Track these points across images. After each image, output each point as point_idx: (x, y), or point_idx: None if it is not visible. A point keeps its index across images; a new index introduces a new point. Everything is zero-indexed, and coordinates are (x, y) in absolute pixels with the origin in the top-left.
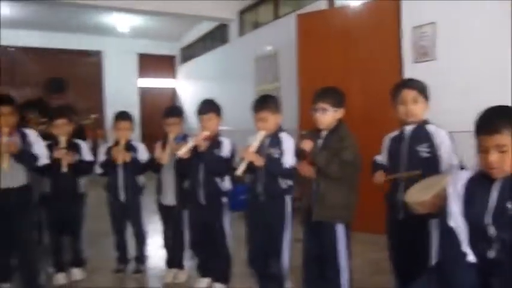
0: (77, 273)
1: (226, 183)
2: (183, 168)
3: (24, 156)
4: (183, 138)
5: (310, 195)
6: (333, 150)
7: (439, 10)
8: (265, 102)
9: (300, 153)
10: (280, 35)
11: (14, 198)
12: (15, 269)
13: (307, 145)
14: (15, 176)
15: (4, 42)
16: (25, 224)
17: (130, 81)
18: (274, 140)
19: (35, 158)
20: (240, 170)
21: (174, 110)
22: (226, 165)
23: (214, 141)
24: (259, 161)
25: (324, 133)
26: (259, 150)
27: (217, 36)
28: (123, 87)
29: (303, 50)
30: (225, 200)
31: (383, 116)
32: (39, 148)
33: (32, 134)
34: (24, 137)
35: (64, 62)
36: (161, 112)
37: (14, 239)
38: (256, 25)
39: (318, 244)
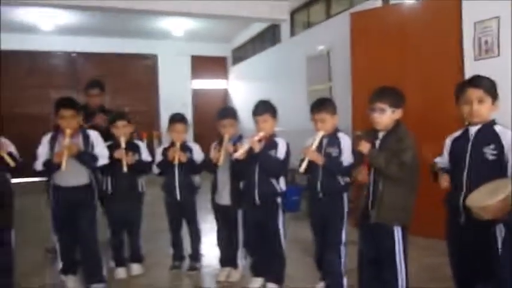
0: (135, 268)
1: (281, 184)
2: (238, 169)
3: (85, 156)
4: (238, 139)
5: (367, 197)
6: (391, 151)
7: (503, 3)
8: (323, 104)
9: (357, 156)
10: (332, 34)
11: (77, 196)
12: (79, 263)
13: (365, 147)
14: (79, 175)
15: (66, 48)
16: (88, 221)
17: (184, 83)
18: (332, 139)
19: (94, 158)
20: (302, 168)
21: (229, 111)
22: (282, 166)
23: (270, 142)
24: (319, 159)
25: (381, 134)
26: (318, 150)
27: (268, 37)
28: (177, 90)
29: (357, 49)
30: (279, 200)
31: (443, 116)
32: (100, 149)
33: (94, 135)
34: (86, 138)
35: (121, 66)
36: (214, 113)
37: (78, 235)
38: (308, 25)
39: (374, 246)
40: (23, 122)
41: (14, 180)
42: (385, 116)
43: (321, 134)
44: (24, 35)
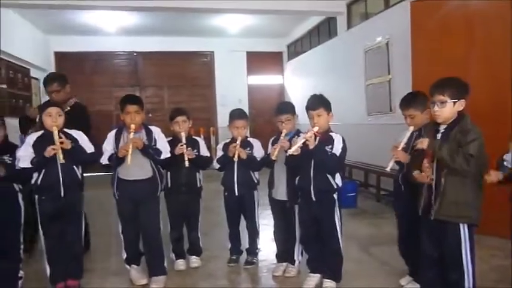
0: (194, 261)
1: (337, 180)
2: (294, 164)
3: (149, 150)
4: (296, 134)
5: (429, 191)
6: (455, 144)
7: None
8: (413, 100)
9: (418, 153)
10: (392, 25)
11: (141, 190)
12: (142, 254)
13: (423, 142)
14: (142, 169)
15: (128, 49)
16: (151, 214)
17: (240, 79)
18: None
19: (158, 152)
20: (389, 167)
21: (287, 107)
22: (338, 162)
23: (325, 138)
24: (405, 159)
25: (442, 127)
26: (407, 146)
27: (324, 31)
28: (233, 86)
29: (417, 40)
30: (336, 196)
31: (507, 111)
32: (162, 143)
33: (156, 131)
34: (149, 133)
35: (179, 63)
36: (269, 109)
37: (141, 228)
38: (365, 16)
39: (438, 244)
40: (95, 119)
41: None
42: (446, 109)
43: (411, 129)
44: (89, 37)
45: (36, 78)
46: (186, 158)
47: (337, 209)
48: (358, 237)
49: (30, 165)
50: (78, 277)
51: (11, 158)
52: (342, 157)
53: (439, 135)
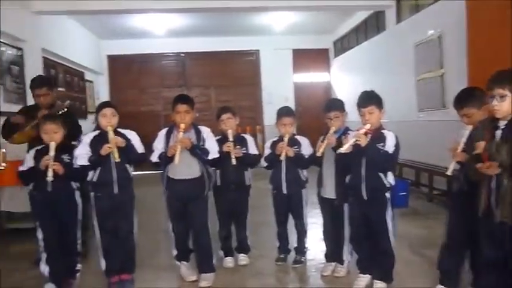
0: (242, 258)
1: (389, 178)
2: (344, 162)
3: (197, 150)
4: (344, 131)
5: (488, 193)
6: None
7: None
8: (468, 98)
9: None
10: (445, 17)
11: (189, 189)
12: (192, 251)
13: (479, 146)
14: (191, 168)
15: (176, 50)
16: (200, 212)
17: (286, 77)
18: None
19: (206, 152)
20: (449, 170)
21: (336, 103)
22: (390, 160)
23: (377, 135)
24: (464, 159)
25: (502, 123)
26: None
27: (372, 26)
28: (279, 84)
29: (473, 32)
30: (388, 195)
31: None
32: (211, 144)
33: (206, 130)
34: (198, 132)
35: (225, 63)
36: (316, 106)
37: (190, 226)
38: (416, 9)
39: (500, 248)
40: (140, 119)
41: (135, 172)
42: (506, 103)
43: (468, 129)
44: (139, 40)
45: (91, 81)
46: (233, 156)
47: (390, 209)
48: (409, 238)
49: (87, 163)
50: (131, 271)
51: (69, 157)
52: (394, 155)
53: (498, 132)
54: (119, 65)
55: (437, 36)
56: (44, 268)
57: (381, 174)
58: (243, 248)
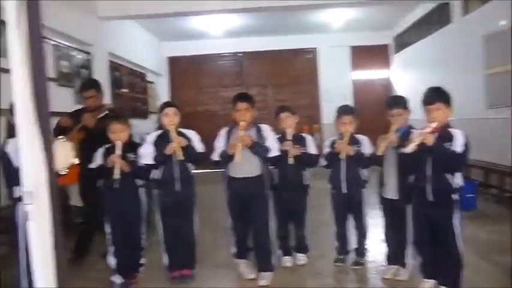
0: (301, 258)
1: (457, 179)
2: (407, 161)
3: (257, 148)
4: (407, 129)
5: None
6: None
7: None
8: None
9: None
10: None
11: (250, 187)
12: (251, 249)
13: None
14: (251, 167)
15: (233, 50)
16: (260, 211)
17: (344, 75)
18: None
19: (267, 150)
20: None
21: (398, 100)
22: (459, 160)
23: (444, 134)
24: None
25: None
26: None
27: (435, 19)
28: (337, 81)
29: None
30: (455, 197)
31: None
32: (272, 142)
33: (266, 128)
34: (259, 131)
35: (282, 61)
36: (375, 104)
37: (251, 224)
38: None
39: None
40: (199, 119)
41: (196, 171)
42: None
43: None
44: (198, 41)
45: (152, 82)
46: (290, 155)
47: (457, 211)
48: (477, 243)
49: (152, 162)
50: (192, 267)
51: (134, 156)
52: (463, 155)
53: None
54: (178, 66)
55: (510, 27)
56: (111, 261)
57: (448, 175)
58: (302, 247)
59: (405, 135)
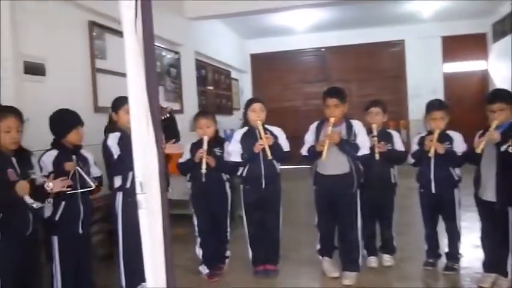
0: (387, 259)
1: None
2: (509, 161)
3: (346, 146)
4: (510, 126)
5: None
6: None
7: None
8: None
9: None
10: None
11: (337, 184)
12: (336, 247)
13: None
14: (340, 164)
15: (316, 45)
16: (348, 209)
17: (434, 68)
18: None
19: (356, 147)
20: None
21: (500, 94)
22: None
23: None
24: None
25: None
26: None
27: None
28: (426, 75)
29: None
30: None
31: None
32: (363, 139)
33: (358, 125)
34: (350, 127)
35: (367, 55)
36: (469, 98)
37: (337, 221)
38: None
39: None
40: (282, 115)
41: (283, 167)
42: None
43: None
44: (280, 38)
45: (236, 79)
46: (376, 151)
47: None
48: None
49: (240, 160)
50: (276, 262)
51: (221, 151)
52: None
53: None
54: (261, 62)
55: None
56: (199, 251)
57: None
58: (388, 248)
59: (508, 131)
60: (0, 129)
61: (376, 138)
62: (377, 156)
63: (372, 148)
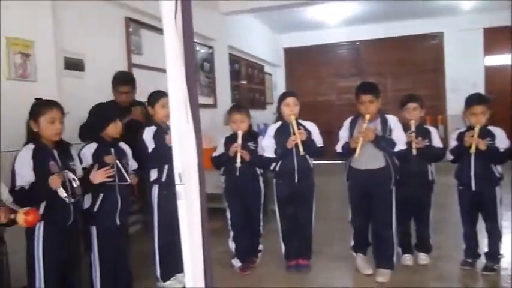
0: (423, 258)
1: None
2: None
3: (381, 142)
4: None
5: None
6: None
7: None
8: None
9: None
10: None
11: (373, 180)
12: (370, 243)
13: None
14: (375, 159)
15: (350, 38)
16: (384, 204)
17: (475, 61)
18: None
19: (392, 143)
20: None
21: None
22: None
23: None
24: None
25: None
26: None
27: None
28: (465, 69)
29: None
30: None
31: None
32: (399, 134)
33: (393, 120)
34: (385, 122)
35: (403, 49)
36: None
37: (372, 217)
38: None
39: None
40: (315, 109)
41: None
42: None
43: None
44: (314, 32)
45: (269, 74)
46: (414, 147)
47: None
48: None
49: (273, 156)
50: (308, 257)
51: (255, 145)
52: None
53: None
54: (294, 56)
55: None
56: (231, 244)
57: None
58: (424, 246)
59: None
60: (44, 120)
61: (413, 134)
62: (414, 152)
63: (410, 144)
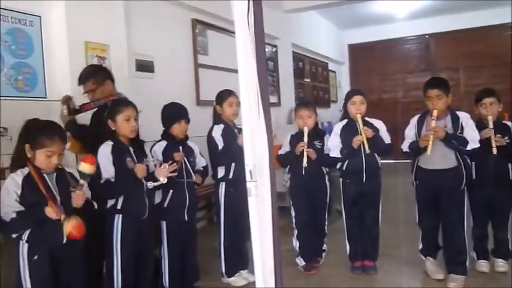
0: (501, 264)
1: None
2: None
3: (452, 140)
4: None
5: None
6: None
7: None
8: None
9: None
10: None
11: (442, 180)
12: (440, 247)
13: None
14: (446, 158)
15: (419, 32)
16: (455, 206)
17: None
18: None
19: (464, 141)
20: None
21: None
22: None
23: None
24: None
25: None
26: None
27: None
28: None
29: None
30: None
31: None
32: (470, 132)
33: (464, 116)
34: (456, 119)
35: (476, 41)
36: None
37: (442, 219)
38: None
39: None
40: (385, 107)
41: (384, 161)
42: None
43: None
44: (379, 26)
45: (333, 71)
46: (493, 145)
47: None
48: None
49: (340, 156)
50: (374, 259)
51: (321, 144)
52: None
53: None
54: (359, 53)
55: None
56: (295, 243)
57: None
58: (502, 252)
59: None
60: (120, 118)
61: (492, 131)
62: (494, 151)
63: (488, 142)
